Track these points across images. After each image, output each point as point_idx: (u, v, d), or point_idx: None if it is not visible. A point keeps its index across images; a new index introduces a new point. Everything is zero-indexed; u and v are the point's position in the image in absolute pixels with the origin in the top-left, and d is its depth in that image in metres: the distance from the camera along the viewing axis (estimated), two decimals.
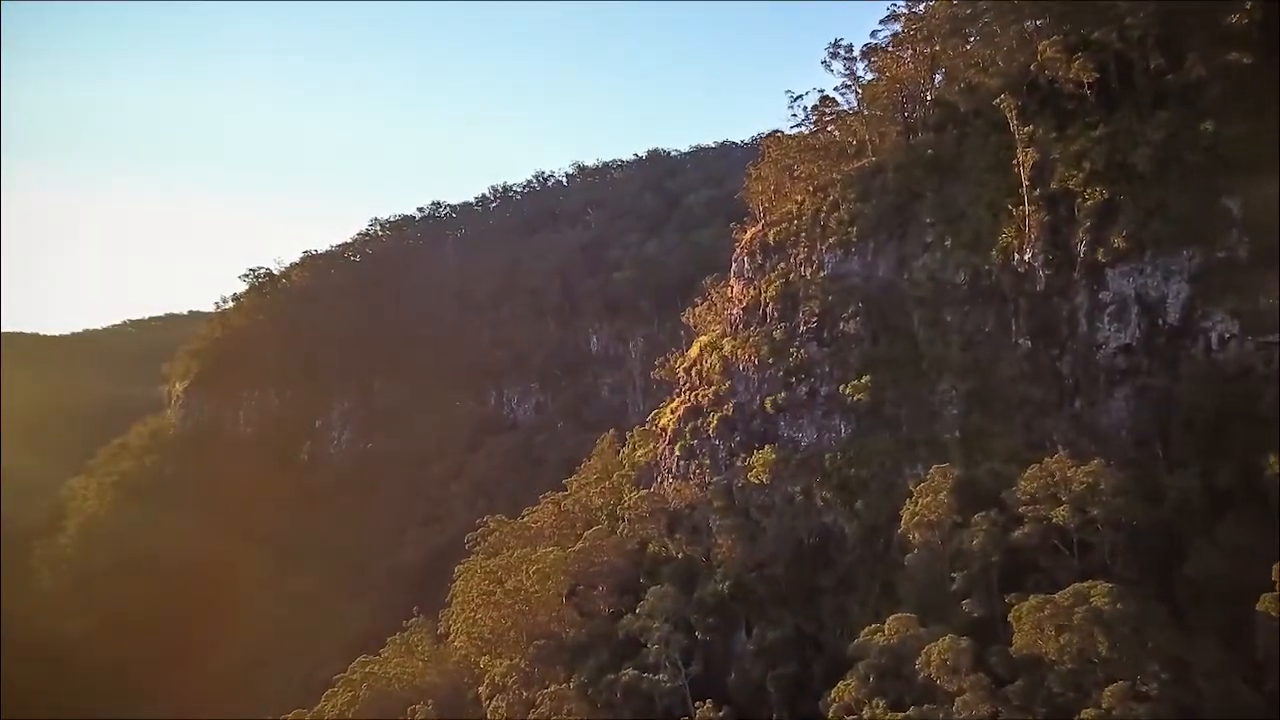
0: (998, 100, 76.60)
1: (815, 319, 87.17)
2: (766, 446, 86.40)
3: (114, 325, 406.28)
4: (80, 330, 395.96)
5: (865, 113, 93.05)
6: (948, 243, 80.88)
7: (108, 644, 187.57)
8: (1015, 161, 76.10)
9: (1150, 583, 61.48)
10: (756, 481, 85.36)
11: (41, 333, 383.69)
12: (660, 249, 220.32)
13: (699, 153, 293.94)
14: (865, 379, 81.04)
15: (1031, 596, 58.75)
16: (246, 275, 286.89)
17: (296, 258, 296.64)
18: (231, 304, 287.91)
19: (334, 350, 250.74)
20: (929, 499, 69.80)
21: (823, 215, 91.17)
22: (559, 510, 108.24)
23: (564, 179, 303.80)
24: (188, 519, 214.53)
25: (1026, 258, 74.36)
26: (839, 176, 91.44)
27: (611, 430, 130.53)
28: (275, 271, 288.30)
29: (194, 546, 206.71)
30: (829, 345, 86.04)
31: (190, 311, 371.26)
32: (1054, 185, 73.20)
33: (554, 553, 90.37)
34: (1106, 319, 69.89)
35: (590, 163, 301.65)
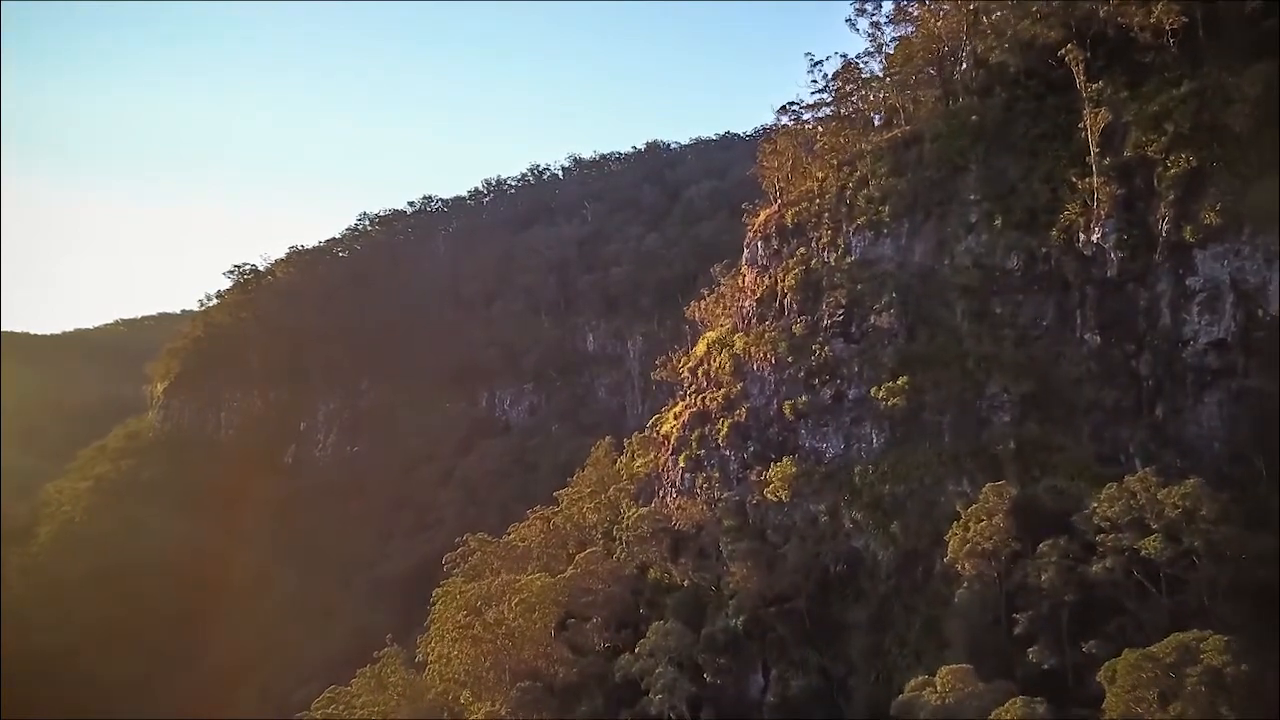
0: (1061, 53, 66.20)
1: (841, 311, 78.06)
2: (785, 458, 77.77)
3: (106, 324, 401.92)
4: (72, 329, 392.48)
5: (897, 76, 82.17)
6: (996, 222, 71.37)
7: (79, 658, 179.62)
8: (1080, 126, 66.95)
9: (1258, 628, 51.10)
10: (774, 498, 76.90)
11: (33, 331, 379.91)
12: (660, 243, 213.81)
13: (700, 144, 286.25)
14: (901, 380, 71.67)
15: (1127, 651, 47.86)
16: (230, 272, 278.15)
17: (282, 254, 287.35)
18: (215, 301, 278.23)
19: (320, 349, 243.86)
20: (982, 523, 59.73)
21: (849, 193, 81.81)
22: (548, 528, 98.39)
23: (559, 172, 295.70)
24: (166, 525, 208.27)
25: (1094, 238, 65.04)
26: (867, 149, 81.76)
27: (608, 436, 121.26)
28: (260, 268, 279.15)
29: (171, 554, 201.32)
30: (857, 341, 77.09)
31: (183, 310, 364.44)
32: (1128, 152, 64.09)
33: (541, 579, 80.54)
34: (1195, 309, 60.87)
35: (587, 155, 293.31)
